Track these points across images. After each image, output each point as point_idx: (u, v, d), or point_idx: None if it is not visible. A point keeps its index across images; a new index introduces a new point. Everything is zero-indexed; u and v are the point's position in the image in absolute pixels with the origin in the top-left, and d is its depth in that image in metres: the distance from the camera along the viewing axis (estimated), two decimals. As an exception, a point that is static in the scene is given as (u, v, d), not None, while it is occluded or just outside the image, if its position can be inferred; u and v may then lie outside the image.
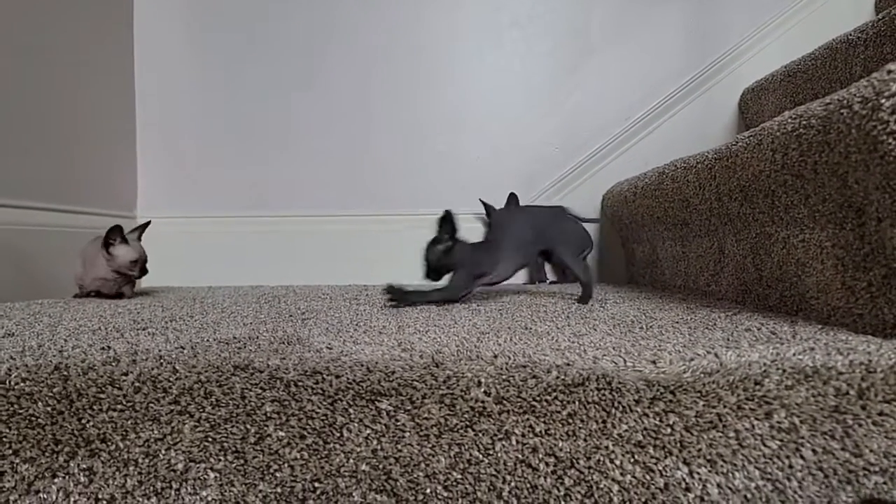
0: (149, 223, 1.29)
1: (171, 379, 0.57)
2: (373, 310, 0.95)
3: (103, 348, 0.62)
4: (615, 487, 0.54)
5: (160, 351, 0.60)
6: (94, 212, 1.56)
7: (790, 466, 0.54)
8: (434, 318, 0.84)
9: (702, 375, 0.57)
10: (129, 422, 0.55)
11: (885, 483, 0.53)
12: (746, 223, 0.95)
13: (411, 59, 1.77)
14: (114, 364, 0.58)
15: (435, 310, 0.95)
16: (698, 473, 0.54)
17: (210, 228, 1.76)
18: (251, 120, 1.78)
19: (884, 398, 0.55)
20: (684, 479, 0.54)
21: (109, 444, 0.54)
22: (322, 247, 1.74)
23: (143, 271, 1.22)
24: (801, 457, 0.54)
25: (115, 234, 1.18)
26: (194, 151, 1.78)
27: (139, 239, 1.25)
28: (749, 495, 0.53)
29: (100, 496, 0.53)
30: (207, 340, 0.66)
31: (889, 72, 0.62)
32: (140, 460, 0.54)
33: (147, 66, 1.78)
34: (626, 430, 0.55)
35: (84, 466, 0.54)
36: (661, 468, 0.54)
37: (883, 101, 0.61)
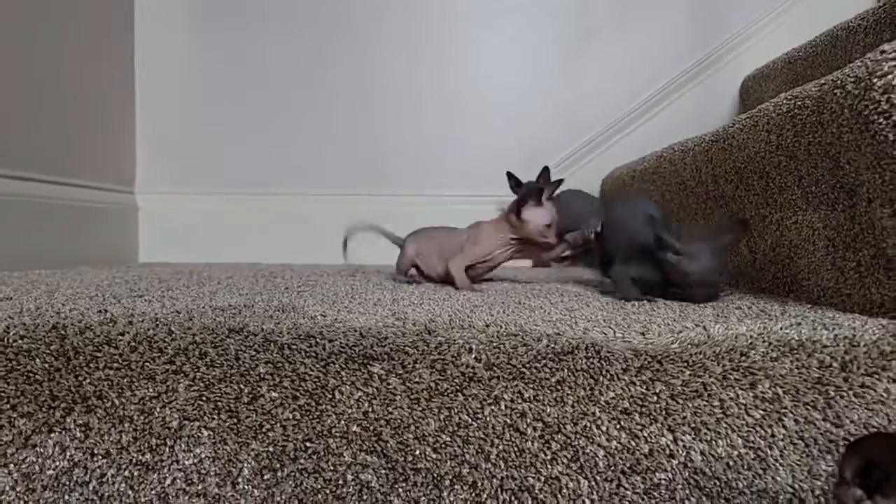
0: (561, 181, 1.07)
1: (166, 340, 0.58)
2: (368, 285, 0.96)
3: (100, 311, 0.62)
4: (601, 452, 0.55)
5: (156, 314, 0.61)
6: (93, 185, 1.56)
7: (772, 435, 0.55)
8: (429, 292, 0.85)
9: (689, 346, 0.58)
10: (125, 380, 0.56)
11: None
12: (741, 206, 0.95)
13: (412, 42, 1.77)
14: (110, 325, 0.59)
15: (430, 285, 0.96)
16: (682, 440, 0.55)
17: (208, 206, 1.76)
18: (254, 97, 1.77)
19: (866, 371, 0.55)
20: (668, 446, 0.55)
21: (105, 400, 0.55)
22: (320, 226, 1.75)
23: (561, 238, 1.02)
24: (784, 426, 0.55)
25: (532, 195, 1.00)
26: (194, 127, 1.78)
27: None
28: (731, 462, 0.54)
29: (95, 451, 0.55)
30: (203, 307, 0.67)
31: (882, 52, 0.63)
32: (135, 417, 0.55)
33: (147, 39, 1.77)
34: (613, 398, 0.56)
35: (80, 422, 0.55)
36: (646, 434, 0.55)
37: (875, 80, 0.62)
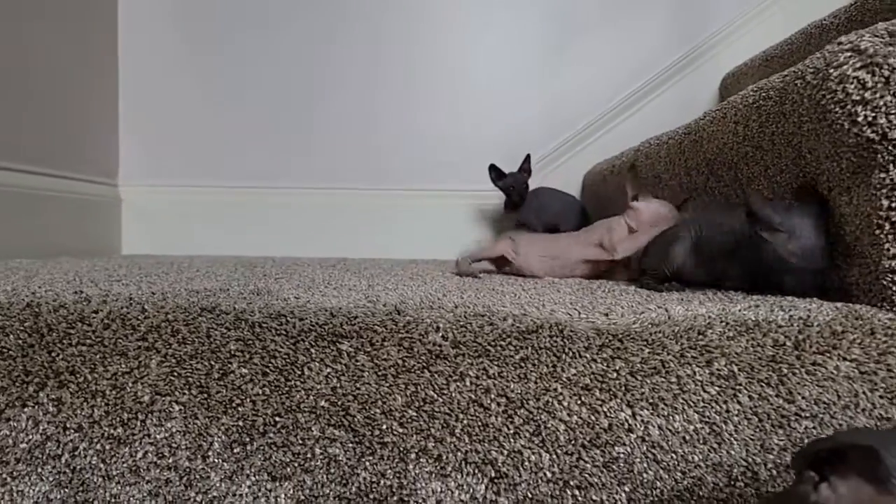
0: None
1: (139, 318, 0.59)
2: (346, 273, 0.97)
3: (76, 292, 0.63)
4: (562, 427, 0.57)
5: (131, 294, 0.62)
6: (75, 176, 1.56)
7: (727, 411, 0.57)
8: (405, 279, 0.87)
9: (649, 326, 0.59)
10: (98, 356, 0.57)
11: (814, 428, 0.57)
12: (712, 197, 0.98)
13: (400, 38, 1.78)
14: (84, 303, 0.60)
15: (406, 273, 0.97)
16: (641, 415, 0.57)
17: (192, 199, 1.77)
18: (239, 91, 1.78)
19: (817, 350, 0.57)
20: (627, 421, 0.57)
21: (78, 376, 0.56)
22: (303, 220, 1.76)
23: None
24: (738, 402, 0.57)
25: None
26: (179, 120, 1.79)
27: None
28: (688, 436, 0.56)
29: (68, 425, 0.56)
30: (179, 290, 0.68)
31: (839, 43, 0.65)
32: (107, 392, 0.56)
33: (130, 31, 1.77)
34: (574, 374, 0.57)
35: (53, 397, 0.56)
36: (605, 410, 0.57)
37: (831, 71, 0.64)
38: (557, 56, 1.78)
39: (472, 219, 1.74)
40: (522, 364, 0.58)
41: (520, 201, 1.50)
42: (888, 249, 0.62)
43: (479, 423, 0.57)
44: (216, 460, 0.56)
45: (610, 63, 1.78)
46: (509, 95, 1.79)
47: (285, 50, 1.77)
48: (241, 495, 0.56)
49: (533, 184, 1.54)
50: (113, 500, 0.56)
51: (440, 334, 0.59)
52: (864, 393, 0.56)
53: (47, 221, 1.44)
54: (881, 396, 0.56)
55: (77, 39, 1.59)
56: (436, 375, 0.58)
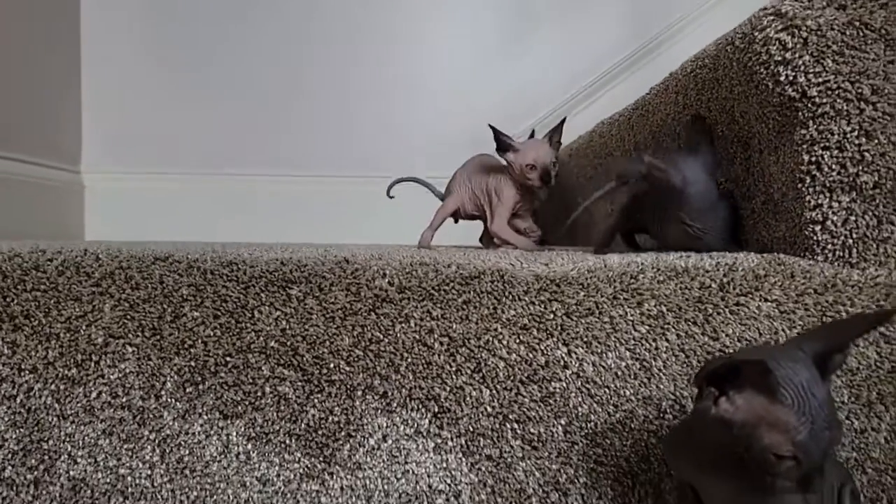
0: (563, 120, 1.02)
1: (93, 265, 0.61)
2: (302, 248, 1.00)
3: (32, 247, 0.65)
4: (501, 364, 0.60)
5: (85, 247, 0.64)
6: (35, 161, 1.55)
7: (656, 348, 0.60)
8: (362, 249, 0.89)
9: (585, 272, 0.63)
10: (52, 301, 0.59)
11: (736, 361, 0.60)
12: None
13: (361, 27, 1.81)
14: (39, 253, 0.61)
15: (367, 247, 0.99)
16: (576, 353, 0.60)
17: (155, 186, 1.77)
18: (203, 79, 1.79)
19: (741, 291, 0.61)
20: (563, 358, 0.60)
21: (32, 319, 0.58)
22: (269, 207, 1.78)
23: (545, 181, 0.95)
24: (667, 340, 0.60)
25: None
26: (142, 108, 1.79)
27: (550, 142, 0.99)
28: (620, 372, 0.60)
29: (23, 366, 0.57)
30: (134, 248, 0.69)
31: (763, 9, 0.69)
32: (62, 335, 0.58)
33: (93, 17, 1.76)
34: (513, 315, 0.61)
35: (8, 339, 0.57)
36: (542, 348, 0.60)
37: (756, 34, 0.68)
38: (518, 46, 1.82)
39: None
40: (465, 307, 0.61)
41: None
42: (809, 202, 0.66)
43: (423, 362, 0.60)
44: (169, 400, 0.58)
45: (569, 54, 1.83)
46: (472, 85, 1.82)
47: (250, 37, 1.79)
48: (193, 433, 0.58)
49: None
50: (68, 439, 0.57)
51: (386, 280, 0.62)
52: (783, 330, 0.60)
53: (7, 205, 1.44)
54: (799, 333, 0.60)
55: (39, 24, 1.58)
56: (381, 318, 0.60)
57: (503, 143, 0.97)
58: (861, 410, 0.60)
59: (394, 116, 1.81)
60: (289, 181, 1.78)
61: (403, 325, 0.60)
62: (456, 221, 1.09)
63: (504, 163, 0.98)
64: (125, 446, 0.58)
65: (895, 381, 0.60)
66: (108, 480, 0.58)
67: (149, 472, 0.58)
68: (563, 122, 1.01)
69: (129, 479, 0.58)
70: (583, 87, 1.80)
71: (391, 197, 1.11)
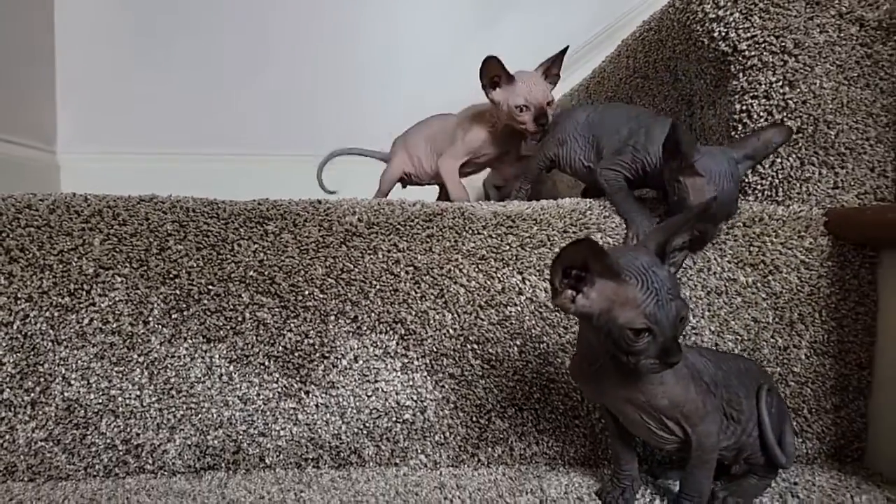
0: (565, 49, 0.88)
1: (82, 205, 0.65)
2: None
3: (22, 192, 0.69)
4: (462, 290, 0.66)
5: (74, 192, 0.68)
6: (11, 140, 1.55)
7: (602, 275, 0.66)
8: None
9: (539, 209, 0.69)
10: (45, 235, 0.63)
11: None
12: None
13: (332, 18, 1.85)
14: (31, 196, 0.66)
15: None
16: (529, 280, 0.66)
17: (130, 166, 1.78)
18: (180, 60, 1.82)
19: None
20: (518, 285, 0.66)
21: (27, 252, 0.62)
22: (243, 186, 1.81)
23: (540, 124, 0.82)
24: (611, 267, 0.67)
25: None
26: (116, 89, 1.81)
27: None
28: (568, 297, 0.66)
29: (19, 295, 0.62)
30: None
31: (702, -29, 0.76)
32: (55, 266, 0.62)
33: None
34: (473, 247, 0.67)
35: (4, 271, 0.62)
36: (499, 276, 0.66)
37: (693, -6, 0.75)
38: (489, 30, 1.88)
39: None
40: (428, 240, 0.67)
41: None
42: (741, 148, 0.73)
43: (390, 289, 0.65)
44: (156, 325, 0.63)
45: (541, 33, 1.88)
46: (447, 69, 1.87)
47: (226, 21, 1.82)
48: (179, 356, 0.63)
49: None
50: (62, 363, 0.62)
51: (356, 216, 0.67)
52: (714, 259, 0.67)
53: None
54: (728, 262, 0.67)
55: (11, 6, 1.59)
56: (352, 250, 0.66)
57: (489, 76, 0.83)
58: (784, 330, 0.67)
59: (373, 96, 1.86)
60: (260, 160, 1.81)
61: (372, 256, 0.66)
62: (404, 186, 1.04)
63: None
64: (116, 369, 0.63)
65: (814, 303, 0.67)
66: (100, 401, 0.63)
67: (138, 392, 0.63)
68: (564, 51, 0.86)
69: (120, 399, 0.63)
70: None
71: (326, 190, 1.07)
